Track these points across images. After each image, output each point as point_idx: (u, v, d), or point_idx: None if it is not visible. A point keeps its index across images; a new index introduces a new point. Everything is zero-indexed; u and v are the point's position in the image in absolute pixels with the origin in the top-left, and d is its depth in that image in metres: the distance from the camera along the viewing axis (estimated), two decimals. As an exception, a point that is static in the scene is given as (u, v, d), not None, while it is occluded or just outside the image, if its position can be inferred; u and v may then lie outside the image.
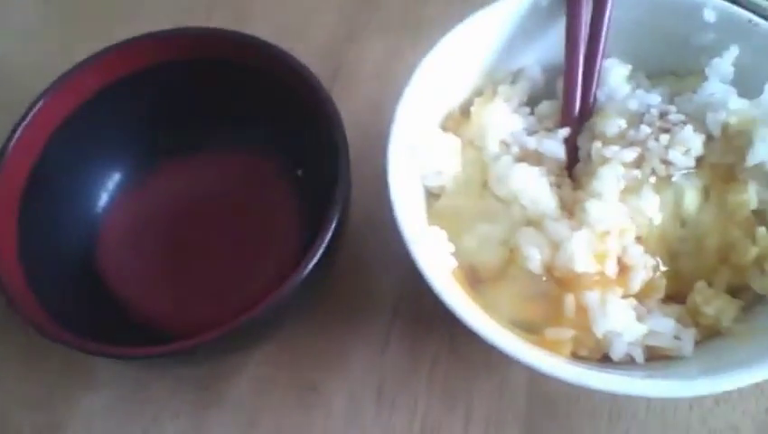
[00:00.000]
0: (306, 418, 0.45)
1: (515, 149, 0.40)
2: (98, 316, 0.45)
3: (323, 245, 0.38)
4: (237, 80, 0.47)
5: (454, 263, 0.38)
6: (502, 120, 0.41)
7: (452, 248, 0.38)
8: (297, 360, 0.46)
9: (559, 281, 0.37)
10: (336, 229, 0.39)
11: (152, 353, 0.38)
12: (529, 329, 0.37)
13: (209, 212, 0.49)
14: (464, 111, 0.44)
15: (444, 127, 0.43)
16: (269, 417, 0.45)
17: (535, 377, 0.44)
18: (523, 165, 0.39)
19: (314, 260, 0.38)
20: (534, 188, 0.38)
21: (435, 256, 0.36)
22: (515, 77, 0.44)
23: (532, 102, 0.44)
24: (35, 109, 0.44)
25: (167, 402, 0.46)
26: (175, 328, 0.46)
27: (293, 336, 0.46)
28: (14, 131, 0.43)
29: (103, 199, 0.49)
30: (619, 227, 0.37)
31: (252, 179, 0.50)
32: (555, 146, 0.40)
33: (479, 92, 0.44)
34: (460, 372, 0.45)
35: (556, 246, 0.37)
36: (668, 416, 0.43)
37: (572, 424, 0.43)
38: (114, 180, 0.49)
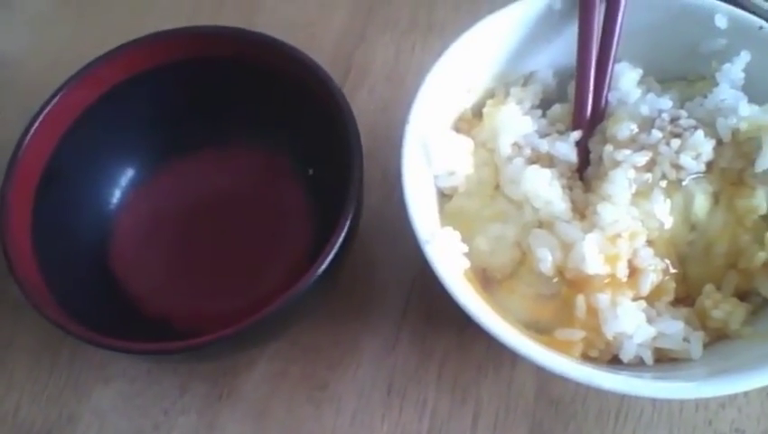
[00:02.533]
0: (316, 413, 0.45)
1: (527, 151, 0.41)
2: (110, 311, 0.46)
3: (337, 245, 0.38)
4: (250, 77, 0.47)
5: (466, 264, 0.38)
6: (514, 122, 0.41)
7: (465, 248, 0.38)
8: (308, 356, 0.47)
9: (570, 283, 0.38)
10: (349, 228, 0.39)
11: (167, 349, 0.38)
12: (540, 330, 0.38)
13: (220, 208, 0.50)
14: (477, 113, 0.44)
15: (457, 129, 0.43)
16: (279, 412, 0.46)
17: (543, 376, 0.45)
18: (535, 168, 0.39)
19: (328, 260, 0.38)
20: (546, 190, 0.39)
21: (447, 256, 0.37)
22: (527, 80, 0.45)
23: (544, 105, 0.44)
24: (51, 104, 0.44)
25: (178, 397, 0.47)
26: (187, 324, 0.46)
27: (304, 333, 0.47)
28: (30, 125, 0.43)
29: (116, 195, 0.49)
30: (630, 230, 0.37)
31: (264, 177, 0.50)
32: (566, 148, 0.40)
33: (491, 94, 0.45)
34: (469, 371, 0.46)
35: (567, 248, 0.38)
36: (674, 418, 0.43)
37: (579, 423, 0.44)
38: (127, 176, 0.49)
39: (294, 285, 0.45)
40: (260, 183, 0.50)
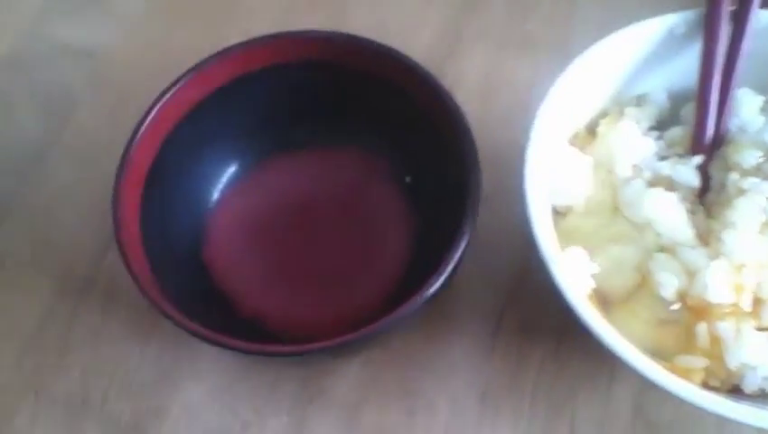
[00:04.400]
0: (408, 420, 0.45)
1: (647, 174, 0.41)
2: (206, 307, 0.46)
3: (449, 268, 0.38)
4: (356, 82, 0.47)
5: (591, 284, 0.38)
6: (633, 143, 0.41)
7: (593, 269, 0.38)
8: (401, 361, 0.47)
9: (692, 309, 0.38)
10: (466, 247, 0.39)
11: (281, 351, 0.38)
12: (659, 355, 0.38)
13: (315, 211, 0.50)
14: (591, 130, 0.44)
15: (573, 146, 0.43)
16: (371, 417, 0.46)
17: (641, 397, 0.45)
18: (659, 191, 0.39)
19: (438, 283, 0.38)
20: (670, 215, 0.38)
21: (574, 277, 0.37)
22: (639, 101, 0.45)
23: (657, 128, 0.44)
24: (164, 99, 0.43)
25: (268, 396, 0.47)
26: (279, 326, 0.46)
27: (396, 338, 0.47)
28: (143, 119, 0.43)
29: (214, 193, 0.49)
30: (757, 260, 0.37)
31: (362, 181, 0.50)
32: (688, 173, 0.40)
33: (604, 114, 0.44)
34: (565, 386, 0.45)
35: (690, 274, 0.37)
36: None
37: (676, 447, 0.44)
38: (226, 174, 0.49)
39: (390, 298, 0.46)
40: (357, 186, 0.50)
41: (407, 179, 0.49)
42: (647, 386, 0.44)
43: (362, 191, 0.50)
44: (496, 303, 0.48)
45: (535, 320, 0.47)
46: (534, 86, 0.52)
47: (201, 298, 0.46)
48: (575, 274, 0.37)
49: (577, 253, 0.38)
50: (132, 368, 0.47)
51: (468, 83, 0.55)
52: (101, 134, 0.54)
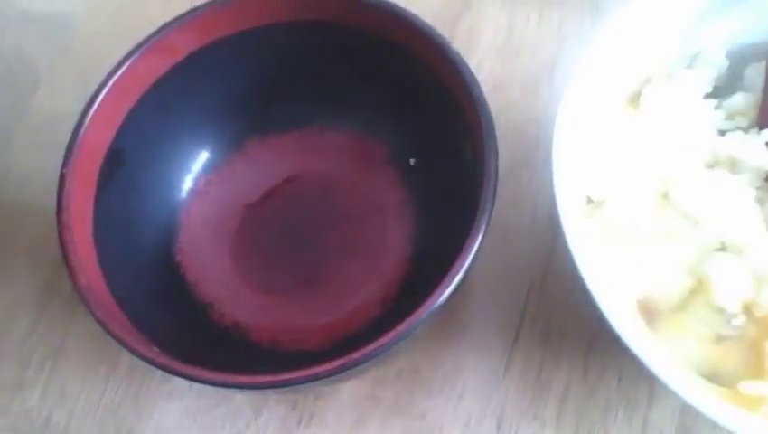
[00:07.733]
0: (412, 449, 0.39)
1: (703, 153, 0.33)
2: (177, 314, 0.40)
3: (466, 264, 0.31)
4: (349, 46, 0.40)
5: (635, 294, 0.31)
6: (684, 114, 0.33)
7: (637, 274, 0.31)
8: (403, 380, 0.40)
9: (760, 323, 0.30)
10: (481, 243, 0.32)
11: (255, 383, 0.31)
12: (717, 380, 0.30)
13: (303, 200, 0.43)
14: (633, 101, 0.36)
15: (609, 121, 0.35)
16: (369, 444, 0.39)
17: (685, 420, 0.38)
18: (719, 174, 0.31)
19: (454, 284, 0.31)
20: (734, 205, 0.31)
21: (613, 285, 0.29)
22: (691, 62, 0.36)
23: (714, 95, 0.36)
24: (118, 73, 0.37)
25: (252, 419, 0.41)
26: (266, 335, 0.40)
27: (400, 353, 0.40)
28: (94, 97, 0.36)
29: (186, 182, 0.42)
30: None
31: (356, 165, 0.43)
32: (756, 150, 0.32)
33: (648, 81, 0.36)
34: (595, 409, 0.39)
35: (759, 279, 0.30)
36: None
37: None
38: (200, 160, 0.43)
39: (390, 299, 0.40)
40: (352, 172, 0.43)
41: (412, 162, 0.42)
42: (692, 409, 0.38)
43: (358, 177, 0.43)
44: (514, 308, 0.41)
45: (560, 330, 0.40)
46: (561, 47, 0.46)
47: (172, 307, 0.40)
48: (615, 282, 0.29)
49: (619, 255, 0.30)
50: (98, 387, 0.42)
51: (483, 44, 0.48)
52: (66, 113, 0.48)
